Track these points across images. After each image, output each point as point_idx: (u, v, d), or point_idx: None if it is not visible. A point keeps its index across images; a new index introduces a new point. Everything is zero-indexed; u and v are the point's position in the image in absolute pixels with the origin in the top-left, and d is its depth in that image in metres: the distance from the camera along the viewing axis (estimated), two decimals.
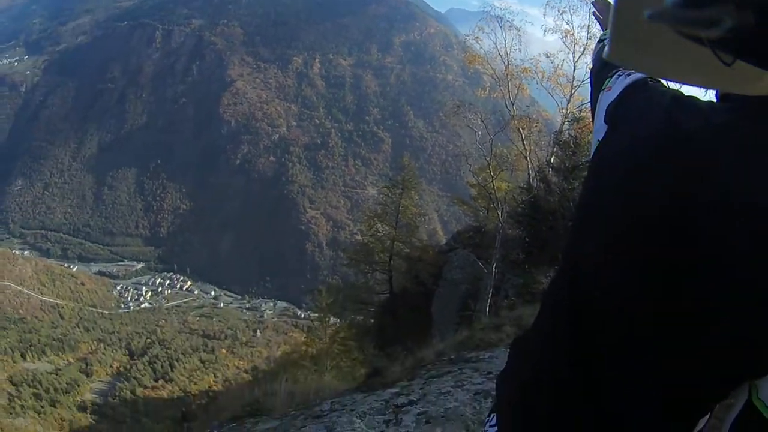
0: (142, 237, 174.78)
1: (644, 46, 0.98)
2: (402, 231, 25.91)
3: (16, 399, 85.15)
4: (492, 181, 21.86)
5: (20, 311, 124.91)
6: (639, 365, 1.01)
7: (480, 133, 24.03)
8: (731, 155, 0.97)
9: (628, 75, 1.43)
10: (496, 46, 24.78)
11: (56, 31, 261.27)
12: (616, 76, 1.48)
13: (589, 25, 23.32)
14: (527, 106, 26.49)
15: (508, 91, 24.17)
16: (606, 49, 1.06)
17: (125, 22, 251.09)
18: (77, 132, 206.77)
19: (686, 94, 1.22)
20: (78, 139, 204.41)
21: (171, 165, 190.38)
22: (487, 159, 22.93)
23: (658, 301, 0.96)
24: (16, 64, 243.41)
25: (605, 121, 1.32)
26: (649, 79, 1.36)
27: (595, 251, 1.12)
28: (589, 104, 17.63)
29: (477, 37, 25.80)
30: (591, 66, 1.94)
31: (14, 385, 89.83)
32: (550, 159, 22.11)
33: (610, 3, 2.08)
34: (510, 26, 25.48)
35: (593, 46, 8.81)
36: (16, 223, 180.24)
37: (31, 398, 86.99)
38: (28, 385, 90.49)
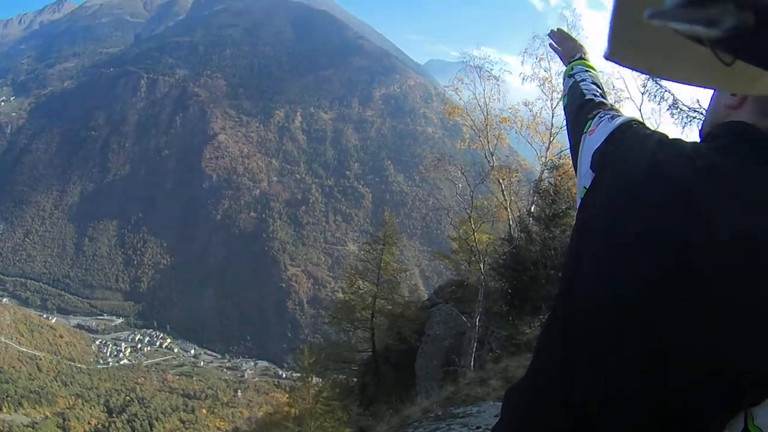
0: (122, 291, 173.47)
1: (644, 46, 0.98)
2: (383, 287, 25.68)
3: None
4: (473, 234, 22.15)
5: None
6: (633, 411, 1.05)
7: (460, 185, 24.61)
8: (718, 198, 1.05)
9: (612, 118, 1.48)
10: (476, 97, 25.17)
11: (43, 73, 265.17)
12: (598, 118, 1.52)
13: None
14: (507, 156, 27.73)
15: (488, 142, 24.60)
16: (605, 49, 1.04)
17: (111, 69, 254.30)
18: (60, 179, 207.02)
19: (671, 137, 1.29)
20: (61, 186, 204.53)
21: (152, 218, 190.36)
22: (468, 211, 23.27)
23: (653, 349, 1.03)
24: (2, 104, 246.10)
25: (591, 168, 1.36)
26: (633, 122, 1.42)
27: (586, 304, 1.17)
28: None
29: (456, 88, 26.13)
30: (564, 103, 1.96)
31: None
32: (530, 209, 22.66)
33: (568, 33, 2.28)
34: (489, 76, 25.73)
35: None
36: None
37: None
38: None
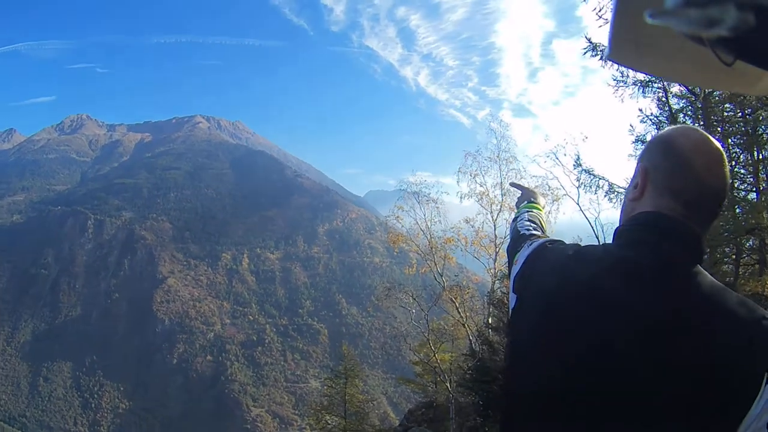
0: None
1: (644, 46, 1.04)
2: (352, 420, 26.21)
3: None
4: (434, 355, 23.18)
5: None
6: None
7: (414, 311, 25.51)
8: (625, 289, 1.21)
9: (530, 244, 1.63)
10: (417, 222, 26.07)
11: None
12: (523, 249, 1.65)
13: (501, 183, 25.35)
14: (456, 274, 28.47)
15: (435, 264, 25.19)
16: (606, 49, 1.10)
17: (59, 207, 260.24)
18: (11, 315, 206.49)
19: (585, 245, 1.44)
20: (12, 323, 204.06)
21: (107, 361, 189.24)
22: (426, 335, 24.31)
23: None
24: None
25: (513, 291, 1.53)
26: (548, 242, 1.58)
27: (523, 410, 1.37)
28: None
29: (397, 217, 26.70)
30: (507, 243, 2.04)
31: None
32: (487, 320, 22.86)
33: (520, 184, 2.61)
34: (427, 200, 26.57)
35: (509, 201, 25.42)
36: None
37: None
38: None
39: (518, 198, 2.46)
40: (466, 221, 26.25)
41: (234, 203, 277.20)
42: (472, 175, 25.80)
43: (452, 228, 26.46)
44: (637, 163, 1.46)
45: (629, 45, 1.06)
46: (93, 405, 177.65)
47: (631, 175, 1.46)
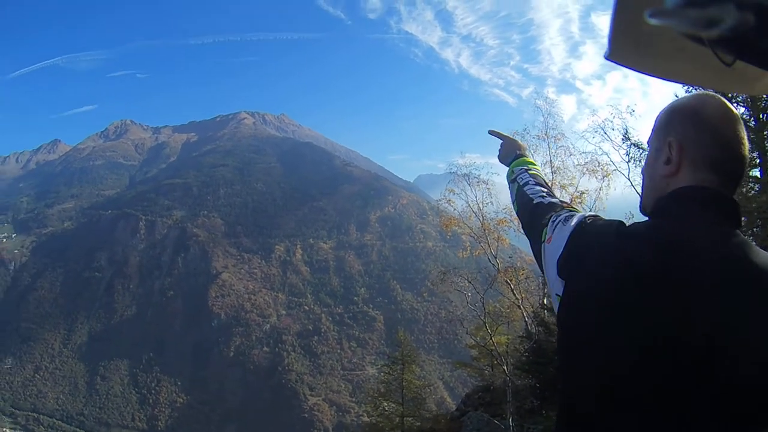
0: (140, 429, 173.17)
1: (644, 46, 1.06)
2: (409, 405, 26.26)
3: None
4: (490, 338, 22.86)
5: None
6: None
7: (470, 294, 25.20)
8: (692, 272, 1.18)
9: (565, 221, 1.55)
10: (469, 204, 26.08)
11: (43, 212, 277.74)
12: (551, 224, 1.59)
13: (550, 161, 25.28)
14: (510, 256, 27.75)
15: (489, 246, 25.17)
16: (606, 49, 1.12)
17: (109, 211, 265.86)
18: (66, 318, 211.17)
19: (625, 224, 1.40)
20: (67, 325, 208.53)
21: (164, 358, 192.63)
22: (482, 318, 23.96)
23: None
24: (5, 240, 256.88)
25: (559, 276, 1.45)
26: (586, 219, 1.51)
27: (587, 400, 1.29)
28: None
29: (448, 200, 26.79)
30: (515, 210, 2.04)
31: None
32: (543, 301, 23.17)
33: (500, 132, 2.42)
34: (478, 182, 26.43)
35: (559, 179, 25.08)
36: (6, 401, 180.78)
37: None
38: None
39: (500, 150, 2.39)
40: None
41: (284, 196, 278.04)
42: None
43: (504, 209, 26.01)
44: (659, 137, 1.45)
45: (629, 45, 1.07)
46: (151, 401, 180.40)
47: (652, 150, 1.45)
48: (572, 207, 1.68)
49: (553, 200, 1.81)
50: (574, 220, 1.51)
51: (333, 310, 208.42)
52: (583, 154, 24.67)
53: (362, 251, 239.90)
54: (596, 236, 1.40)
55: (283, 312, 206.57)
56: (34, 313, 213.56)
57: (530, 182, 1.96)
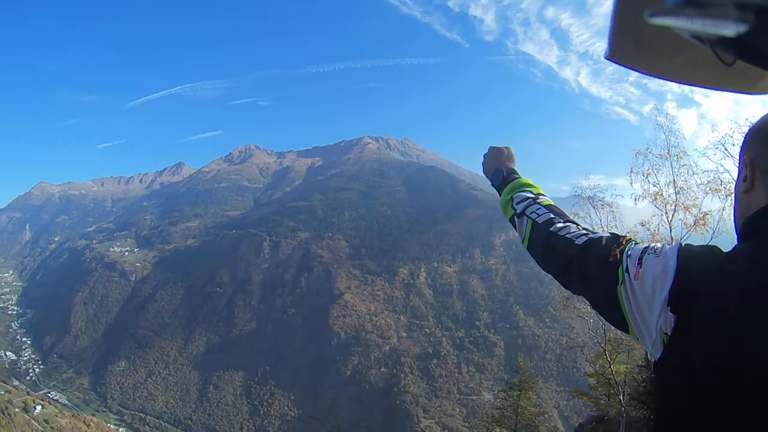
0: None
1: (644, 46, 1.07)
2: None
3: None
4: (609, 367, 22.78)
5: None
6: None
7: (591, 321, 25.11)
8: None
9: (653, 251, 1.50)
10: (593, 227, 25.69)
11: (166, 230, 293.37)
12: (629, 259, 1.53)
13: (674, 180, 24.50)
14: None
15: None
16: (606, 48, 1.12)
17: (233, 231, 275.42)
18: (185, 329, 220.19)
19: (731, 251, 1.36)
20: (185, 335, 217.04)
21: (280, 372, 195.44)
22: (602, 345, 23.93)
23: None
24: (126, 253, 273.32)
25: (671, 310, 1.33)
26: (684, 247, 1.45)
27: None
28: None
29: None
30: (526, 245, 2.06)
31: None
32: None
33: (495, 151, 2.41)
34: (602, 204, 26.39)
35: (683, 200, 23.16)
36: (114, 400, 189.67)
37: None
38: None
39: (484, 161, 2.40)
40: (642, 224, 25.53)
41: (409, 219, 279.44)
42: (645, 175, 25.05)
43: (628, 232, 24.80)
44: (740, 156, 1.45)
45: (629, 45, 1.08)
46: (261, 412, 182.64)
47: (738, 169, 1.44)
48: (628, 237, 1.65)
49: (603, 234, 1.76)
50: (670, 249, 1.46)
51: (454, 333, 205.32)
52: (705, 173, 23.47)
53: (486, 275, 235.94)
54: (711, 264, 1.33)
55: (404, 334, 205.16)
56: (152, 322, 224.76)
57: (553, 218, 1.92)
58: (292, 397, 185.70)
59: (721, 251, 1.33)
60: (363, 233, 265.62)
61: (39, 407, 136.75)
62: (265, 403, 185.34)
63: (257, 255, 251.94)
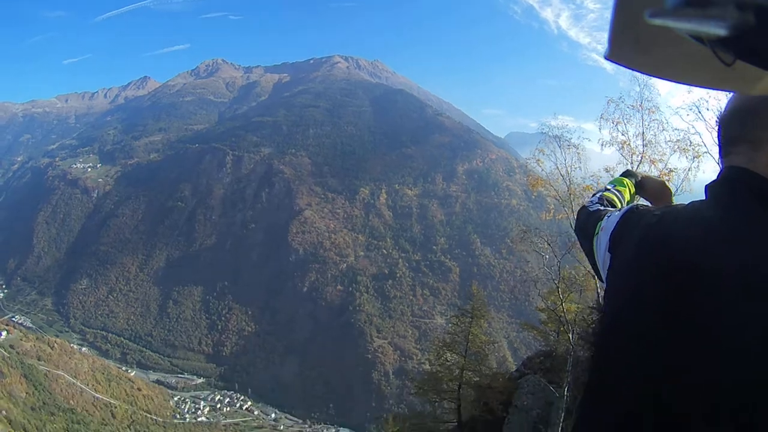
0: (205, 354, 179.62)
1: (644, 46, 1.05)
2: (471, 359, 26.51)
3: None
4: (561, 304, 22.88)
5: (71, 402, 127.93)
6: None
7: (547, 256, 25.19)
8: (702, 246, 1.17)
9: (617, 211, 1.68)
10: (557, 167, 25.46)
11: (129, 144, 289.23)
12: (606, 217, 1.70)
13: (643, 132, 24.21)
14: None
15: (572, 211, 23.64)
16: (606, 48, 1.11)
17: (196, 145, 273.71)
18: (146, 244, 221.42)
19: (675, 204, 1.49)
20: (146, 251, 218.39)
21: (238, 287, 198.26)
22: (556, 282, 23.91)
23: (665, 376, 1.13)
24: (89, 169, 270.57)
25: (609, 251, 1.55)
26: (638, 205, 1.61)
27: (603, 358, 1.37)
28: None
29: (538, 160, 26.38)
30: (575, 227, 2.17)
31: None
32: None
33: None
34: (568, 145, 25.73)
35: (649, 153, 22.74)
36: (77, 319, 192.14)
37: None
38: None
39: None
40: (606, 170, 24.58)
41: (373, 140, 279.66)
42: (614, 123, 24.04)
43: (592, 176, 25.02)
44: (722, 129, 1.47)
45: (629, 44, 1.07)
46: (219, 327, 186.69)
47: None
48: (643, 204, 1.72)
49: (603, 208, 1.92)
50: (626, 207, 1.61)
51: (411, 256, 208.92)
52: (675, 131, 23.06)
53: (446, 201, 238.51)
54: (645, 214, 1.46)
55: (362, 253, 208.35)
56: (113, 238, 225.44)
57: (594, 201, 2.07)
58: (250, 312, 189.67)
59: (669, 206, 1.44)
60: (326, 151, 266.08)
61: (4, 333, 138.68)
62: (223, 318, 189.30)
63: (219, 169, 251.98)
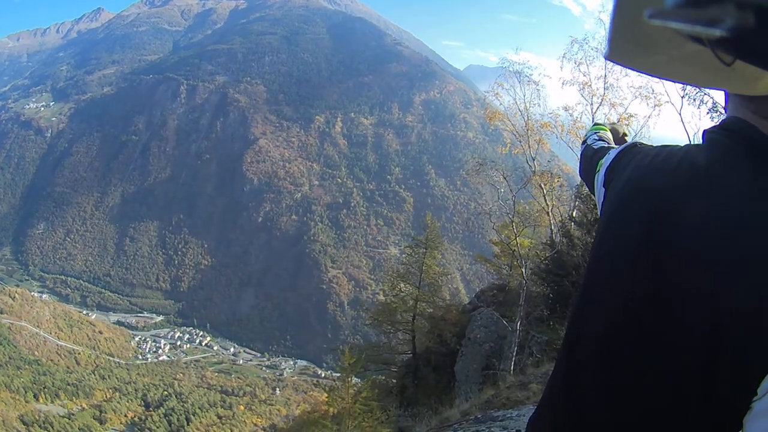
0: (163, 290, 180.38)
1: (644, 46, 1.02)
2: (425, 290, 26.45)
3: None
4: (515, 239, 22.58)
5: (36, 353, 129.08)
6: (628, 406, 1.12)
7: (502, 190, 25.11)
8: (689, 195, 1.12)
9: (618, 147, 1.61)
10: (516, 102, 26.03)
11: (82, 80, 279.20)
12: (607, 154, 1.64)
13: (605, 76, 24.86)
14: (548, 161, 28.18)
15: (529, 147, 25.44)
16: (605, 48, 1.09)
17: (150, 76, 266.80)
18: (101, 182, 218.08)
19: (672, 145, 1.35)
20: (101, 188, 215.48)
21: (193, 220, 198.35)
22: (510, 216, 23.54)
23: (643, 345, 1.09)
24: (42, 109, 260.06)
25: (603, 186, 1.53)
26: (638, 143, 1.53)
27: (582, 311, 1.32)
28: None
29: (497, 93, 26.96)
30: (580, 164, 2.14)
31: (25, 424, 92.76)
32: (572, 213, 23.02)
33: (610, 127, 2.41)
34: (528, 81, 26.44)
35: (610, 96, 24.99)
36: (36, 266, 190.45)
37: None
38: (39, 426, 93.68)
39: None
40: (565, 108, 26.14)
41: (330, 68, 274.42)
42: (577, 63, 25.47)
43: (550, 113, 26.49)
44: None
45: (629, 44, 1.04)
46: (176, 262, 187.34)
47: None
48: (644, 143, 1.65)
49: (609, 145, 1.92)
50: (627, 143, 1.58)
51: (365, 185, 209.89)
52: (638, 77, 23.63)
53: (402, 131, 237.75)
54: (640, 149, 1.44)
55: (316, 182, 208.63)
56: (68, 178, 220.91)
57: (593, 137, 2.07)
58: (206, 246, 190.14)
59: (668, 146, 1.35)
60: (282, 79, 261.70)
61: None
62: (179, 253, 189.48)
63: (173, 100, 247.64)
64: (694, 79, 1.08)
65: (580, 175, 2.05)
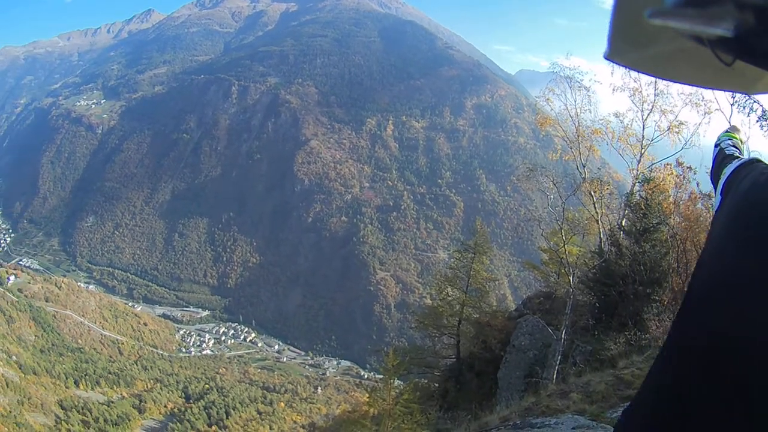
0: (210, 286, 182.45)
1: (644, 45, 1.05)
2: (472, 296, 26.29)
3: (63, 422, 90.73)
4: (563, 246, 22.23)
5: (79, 341, 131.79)
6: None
7: (552, 196, 24.39)
8: None
9: (743, 159, 1.66)
10: (567, 108, 25.70)
11: (134, 78, 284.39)
12: (731, 163, 1.66)
13: (655, 82, 23.97)
14: (598, 168, 27.96)
15: (579, 153, 25.15)
16: (605, 48, 1.11)
17: (202, 76, 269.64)
18: (151, 178, 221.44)
19: None
20: (152, 184, 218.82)
21: (243, 218, 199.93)
22: (559, 223, 23.17)
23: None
24: (93, 106, 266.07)
25: (720, 194, 1.53)
26: (755, 159, 1.55)
27: (698, 329, 1.16)
28: (659, 164, 24.01)
29: (548, 99, 26.61)
30: (711, 171, 2.07)
31: (63, 409, 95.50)
32: (621, 222, 22.57)
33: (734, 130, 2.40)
34: (579, 86, 26.13)
35: (661, 103, 24.45)
36: (83, 258, 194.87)
37: (78, 424, 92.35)
38: (78, 412, 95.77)
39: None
40: (616, 115, 25.85)
41: (381, 71, 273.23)
42: (627, 69, 19.55)
43: (601, 120, 26.11)
44: None
45: (629, 45, 1.07)
46: (224, 258, 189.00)
47: None
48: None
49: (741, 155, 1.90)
50: (752, 156, 1.57)
51: (416, 189, 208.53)
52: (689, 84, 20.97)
53: (453, 135, 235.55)
54: (757, 168, 1.40)
55: (367, 185, 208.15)
56: (119, 173, 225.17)
57: (727, 142, 2.08)
58: (254, 244, 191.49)
59: None
60: (333, 81, 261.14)
61: (12, 278, 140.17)
62: (228, 250, 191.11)
63: (225, 100, 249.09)
64: (694, 79, 1.11)
65: (710, 177, 2.02)
